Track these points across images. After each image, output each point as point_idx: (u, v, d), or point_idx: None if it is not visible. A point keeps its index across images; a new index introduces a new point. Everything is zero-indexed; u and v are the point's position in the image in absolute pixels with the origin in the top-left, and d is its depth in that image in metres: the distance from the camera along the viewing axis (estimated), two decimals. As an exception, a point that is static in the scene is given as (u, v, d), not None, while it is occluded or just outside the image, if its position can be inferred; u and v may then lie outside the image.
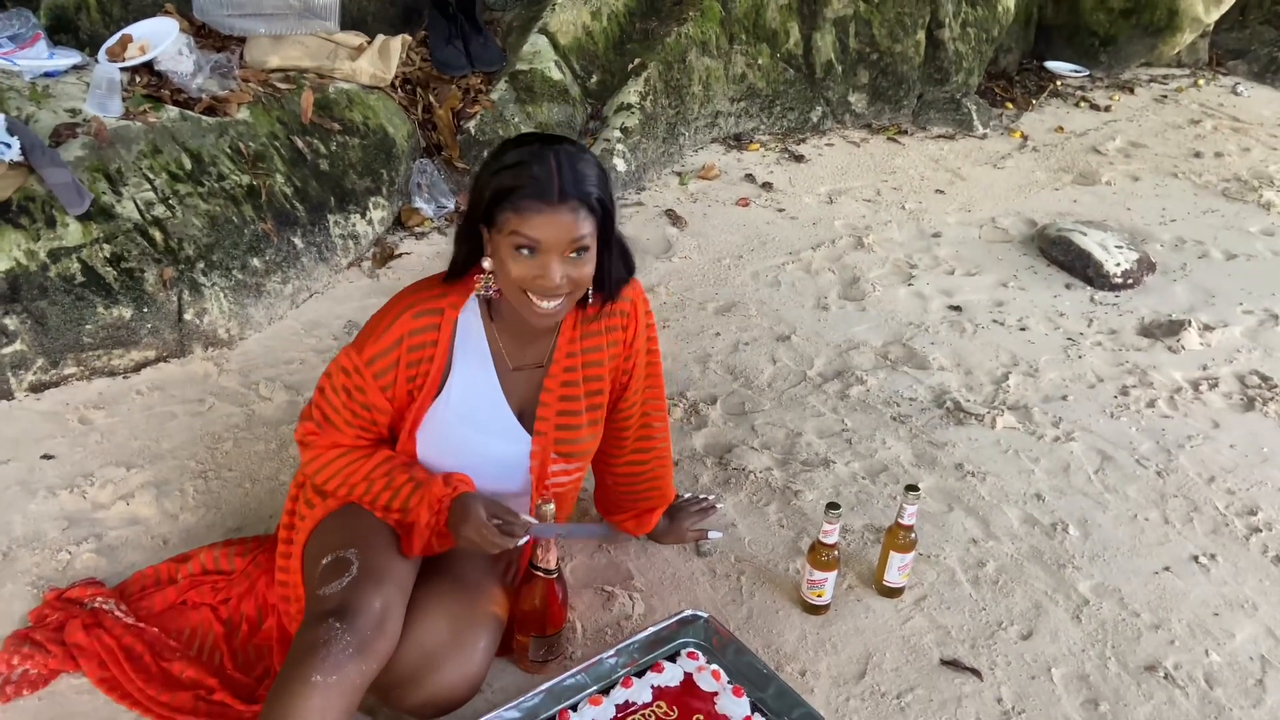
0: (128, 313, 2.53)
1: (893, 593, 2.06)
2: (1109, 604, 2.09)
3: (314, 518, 1.75)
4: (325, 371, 1.72)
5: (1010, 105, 5.13)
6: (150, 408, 2.46)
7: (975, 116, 4.80)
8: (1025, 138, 4.77)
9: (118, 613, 1.82)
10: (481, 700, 1.74)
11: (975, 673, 1.90)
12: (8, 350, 2.39)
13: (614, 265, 1.67)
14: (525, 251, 1.52)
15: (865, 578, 2.10)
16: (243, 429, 2.41)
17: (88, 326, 2.48)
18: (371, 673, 1.54)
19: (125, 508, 2.14)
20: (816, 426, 2.59)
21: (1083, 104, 5.22)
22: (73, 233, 2.49)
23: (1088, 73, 5.54)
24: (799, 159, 4.25)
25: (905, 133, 4.69)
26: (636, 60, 3.92)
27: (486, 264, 1.61)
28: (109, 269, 2.52)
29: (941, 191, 4.13)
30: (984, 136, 4.75)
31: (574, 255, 1.54)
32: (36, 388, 2.45)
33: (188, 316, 2.63)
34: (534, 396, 1.75)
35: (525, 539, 1.67)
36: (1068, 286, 3.44)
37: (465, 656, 1.68)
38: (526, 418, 1.75)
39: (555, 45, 3.80)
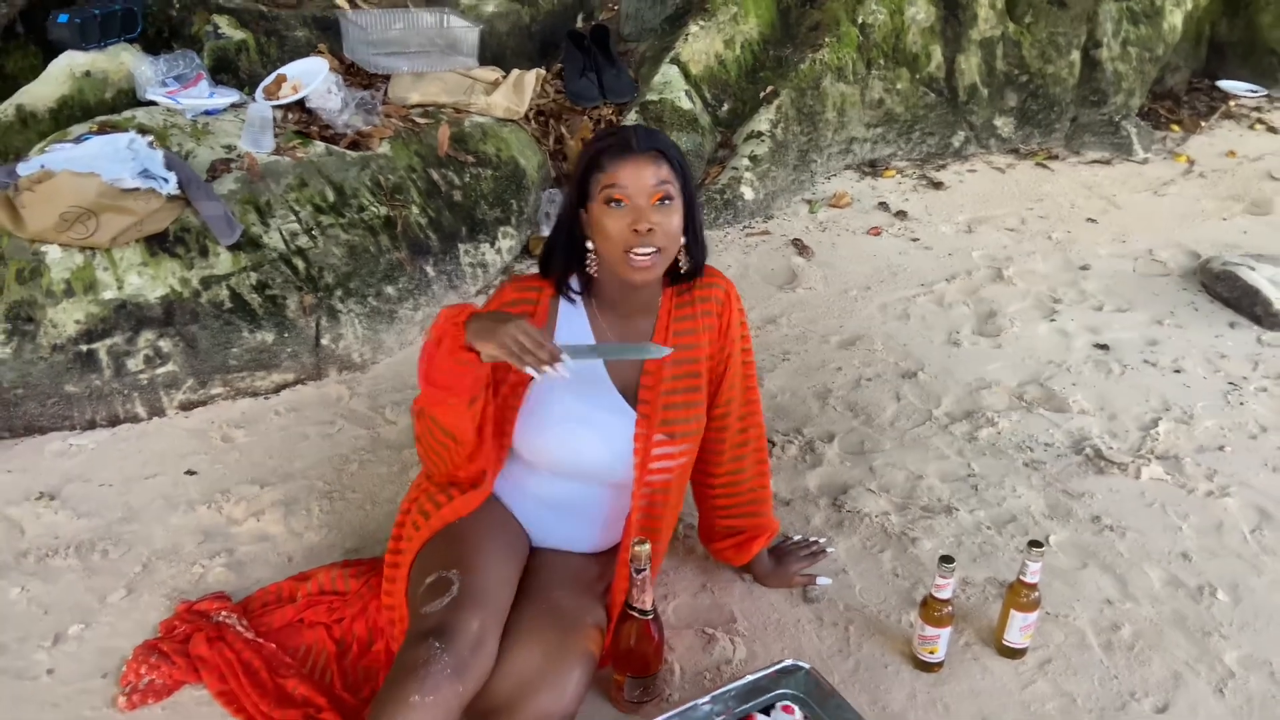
0: (270, 337, 2.68)
1: (1014, 654, 1.94)
2: (1257, 678, 1.90)
3: (420, 539, 1.79)
4: None
5: (1176, 127, 4.82)
6: (286, 428, 2.58)
7: (1135, 140, 4.54)
8: (1191, 162, 4.47)
9: (239, 627, 1.91)
10: (576, 738, 1.74)
11: (1101, 747, 1.76)
12: (161, 371, 2.57)
13: (698, 242, 1.78)
14: (616, 204, 1.66)
15: (985, 635, 1.99)
16: (367, 451, 2.50)
17: (234, 350, 2.64)
18: (468, 694, 1.56)
19: (256, 524, 2.26)
20: (940, 470, 2.47)
21: (1258, 126, 4.85)
22: (223, 262, 2.65)
23: (1265, 93, 5.14)
24: (937, 185, 4.11)
25: (1056, 157, 4.47)
26: (769, 88, 3.89)
27: (590, 245, 1.73)
28: (255, 296, 2.67)
29: (1094, 220, 3.91)
30: (1145, 161, 4.48)
31: (660, 203, 1.66)
32: (186, 406, 2.62)
33: (325, 341, 2.76)
34: (635, 375, 1.81)
35: (552, 369, 1.58)
36: (1232, 326, 3.19)
37: (558, 688, 1.67)
38: (629, 395, 1.81)
39: (686, 75, 3.80)
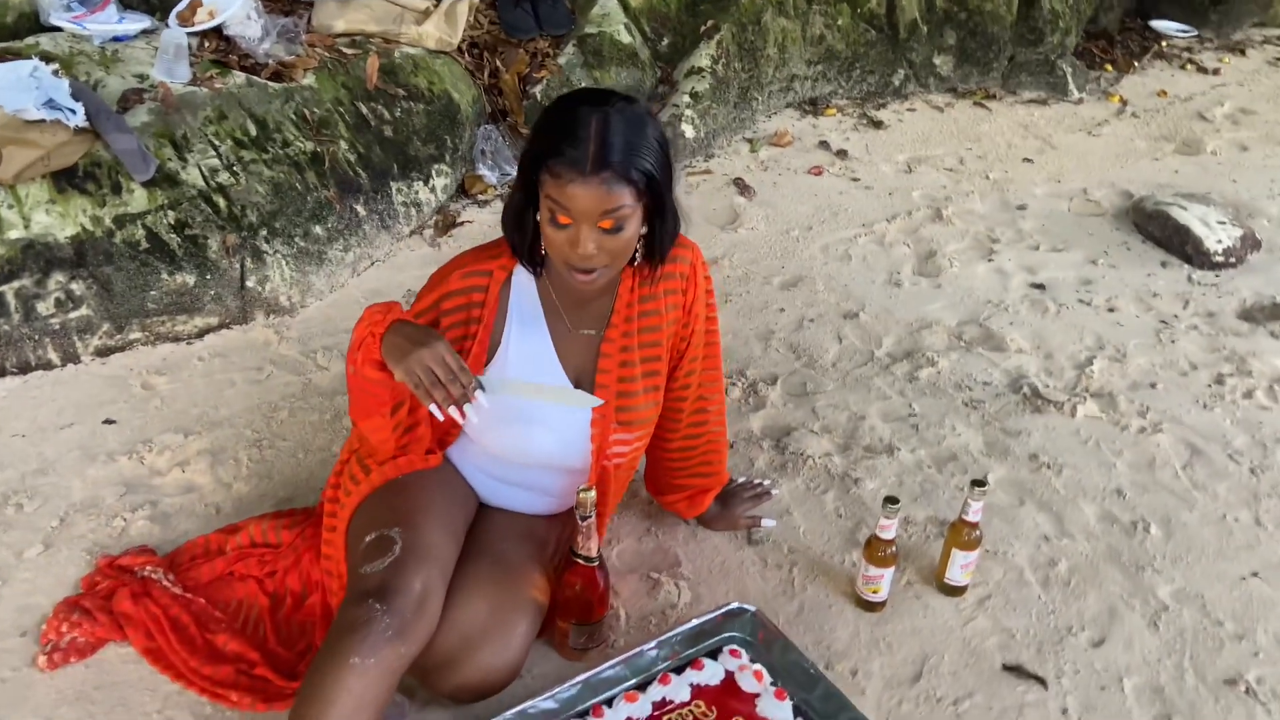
0: (191, 279, 2.55)
1: (954, 591, 1.96)
2: (1190, 611, 1.95)
3: (359, 493, 1.72)
4: None
5: (1110, 67, 4.84)
6: (211, 374, 2.48)
7: (1071, 80, 4.55)
8: (1124, 102, 4.50)
9: (165, 582, 1.83)
10: (520, 685, 1.71)
11: (1040, 680, 1.79)
12: (74, 315, 2.43)
13: (666, 232, 1.60)
14: (558, 221, 1.49)
15: (926, 574, 2.00)
16: (299, 398, 2.41)
17: (152, 293, 2.51)
18: (410, 655, 1.51)
19: (181, 475, 2.16)
20: (882, 410, 2.48)
21: (1189, 66, 4.91)
22: (138, 199, 2.51)
23: (1196, 33, 5.20)
24: (878, 125, 4.08)
25: (993, 97, 4.47)
26: (709, 22, 3.79)
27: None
28: (173, 235, 2.54)
29: (1030, 160, 3.93)
30: (1079, 101, 4.50)
31: (608, 229, 1.49)
32: (102, 352, 2.49)
33: (250, 284, 2.64)
34: (591, 363, 1.71)
35: (457, 411, 1.47)
36: (1163, 265, 3.24)
37: (503, 641, 1.65)
38: (584, 385, 1.71)
39: (625, 7, 3.69)
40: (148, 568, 1.86)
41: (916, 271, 3.12)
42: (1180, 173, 3.86)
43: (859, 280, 3.04)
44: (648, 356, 1.74)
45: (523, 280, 1.67)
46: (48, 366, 2.44)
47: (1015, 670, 1.81)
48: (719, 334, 1.86)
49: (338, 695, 1.43)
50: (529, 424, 1.70)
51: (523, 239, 1.60)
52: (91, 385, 2.41)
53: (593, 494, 1.65)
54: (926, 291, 3.01)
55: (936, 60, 4.42)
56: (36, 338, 2.41)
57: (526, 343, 1.68)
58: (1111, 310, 2.97)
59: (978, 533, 1.89)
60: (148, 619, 1.76)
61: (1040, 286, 3.07)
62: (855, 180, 3.65)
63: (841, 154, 3.81)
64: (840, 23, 4.12)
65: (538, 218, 1.55)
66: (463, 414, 1.46)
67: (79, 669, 1.72)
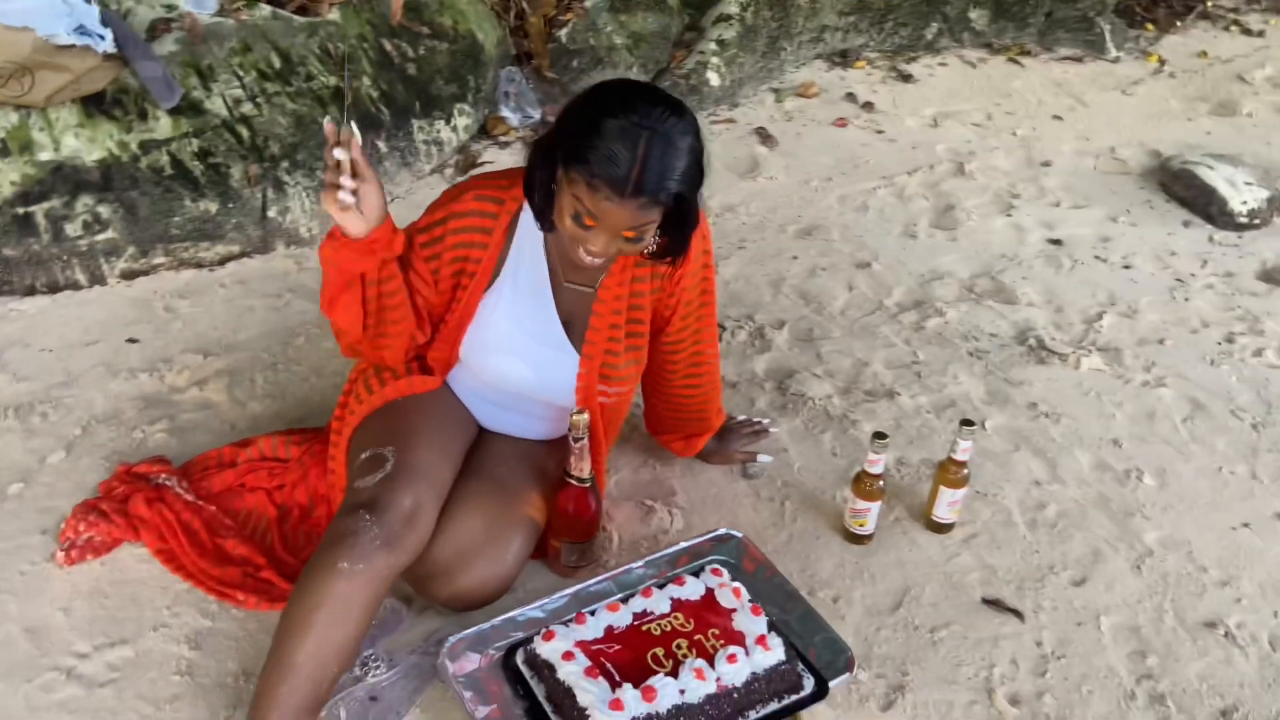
0: (214, 207, 2.62)
1: (941, 528, 1.99)
2: (1175, 557, 1.97)
3: (360, 413, 1.79)
4: None
5: (1151, 26, 4.74)
6: (231, 300, 2.55)
7: (1109, 37, 4.46)
8: (1163, 62, 4.42)
9: (179, 489, 1.91)
10: (512, 598, 1.78)
11: (1017, 614, 1.83)
12: (101, 237, 2.51)
13: (684, 237, 1.62)
14: (583, 221, 1.50)
15: (915, 511, 2.04)
16: (315, 326, 2.47)
17: (176, 218, 2.58)
18: (399, 565, 1.58)
19: (199, 393, 2.24)
20: (886, 357, 2.50)
21: (1234, 28, 4.79)
22: (163, 126, 2.57)
23: (1243, -7, 5.07)
24: (907, 78, 4.04)
25: (1028, 53, 4.40)
26: (739, -31, 3.78)
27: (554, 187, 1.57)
28: (196, 163, 2.60)
29: (1059, 118, 3.88)
30: (1116, 60, 4.42)
31: (628, 239, 1.52)
32: (127, 275, 2.57)
33: (271, 214, 2.71)
34: (583, 314, 1.74)
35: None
36: (1185, 224, 3.20)
37: (497, 556, 1.72)
38: (574, 332, 1.75)
39: (654, -49, 3.68)
40: (162, 475, 1.94)
41: (933, 224, 3.12)
42: (1213, 134, 3.80)
43: (874, 231, 3.05)
44: (633, 319, 1.77)
45: (532, 219, 1.68)
46: (75, 287, 2.53)
47: (994, 604, 1.85)
48: (715, 303, 1.85)
49: (326, 597, 1.51)
50: (517, 357, 1.74)
51: (542, 204, 1.59)
52: (116, 306, 2.49)
53: (585, 416, 1.70)
54: (941, 244, 3.01)
55: (971, 14, 4.36)
56: (65, 258, 2.49)
57: (526, 277, 1.71)
58: (1127, 267, 2.95)
59: (965, 471, 1.92)
60: (161, 522, 1.84)
61: (1057, 242, 3.06)
62: (879, 133, 3.64)
63: (868, 106, 3.79)
64: (872, -27, 4.08)
65: (557, 197, 1.55)
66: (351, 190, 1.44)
67: (94, 566, 1.81)
